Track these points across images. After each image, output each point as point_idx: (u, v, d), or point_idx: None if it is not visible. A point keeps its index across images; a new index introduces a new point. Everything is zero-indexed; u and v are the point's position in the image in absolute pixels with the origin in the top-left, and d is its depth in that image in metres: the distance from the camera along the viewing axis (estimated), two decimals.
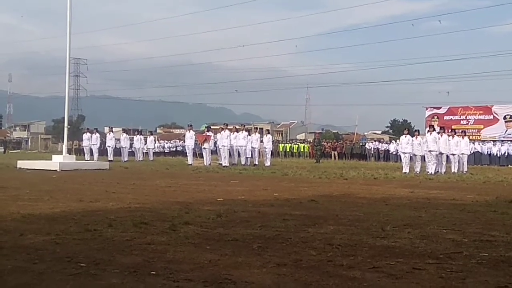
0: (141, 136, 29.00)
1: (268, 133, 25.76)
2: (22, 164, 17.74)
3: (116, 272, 3.46)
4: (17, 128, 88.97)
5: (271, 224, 5.58)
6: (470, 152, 22.50)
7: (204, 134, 22.69)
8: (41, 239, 4.56)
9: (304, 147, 40.74)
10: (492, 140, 33.50)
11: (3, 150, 46.96)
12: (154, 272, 3.47)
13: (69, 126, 20.28)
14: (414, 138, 18.25)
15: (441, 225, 5.63)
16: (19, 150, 60.15)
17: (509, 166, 28.45)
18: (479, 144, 32.06)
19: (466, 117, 37.38)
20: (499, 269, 3.72)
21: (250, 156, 21.70)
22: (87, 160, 23.67)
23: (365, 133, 62.54)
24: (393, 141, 37.28)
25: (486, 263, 3.87)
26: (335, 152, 37.23)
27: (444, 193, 9.80)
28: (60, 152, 21.82)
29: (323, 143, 35.96)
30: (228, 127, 21.91)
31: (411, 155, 18.20)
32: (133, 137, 28.76)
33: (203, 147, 21.70)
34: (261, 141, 22.91)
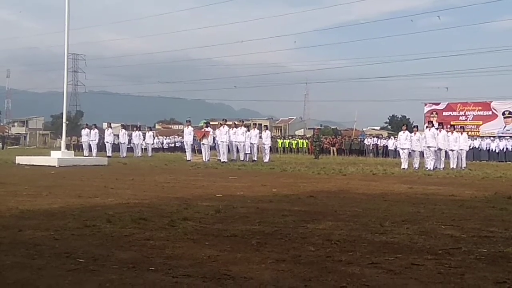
0: (140, 132, 28.93)
1: (267, 129, 25.71)
2: (20, 160, 17.72)
3: (114, 268, 3.46)
4: (16, 124, 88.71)
5: (270, 220, 5.58)
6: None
7: (203, 130, 22.64)
8: (40, 235, 4.56)
9: (303, 143, 40.67)
10: (491, 136, 33.55)
11: (1, 146, 46.82)
12: (153, 268, 3.48)
13: (67, 122, 20.27)
14: (412, 134, 18.26)
15: (440, 221, 5.64)
16: (17, 146, 60.00)
17: (508, 162, 28.48)
18: (477, 139, 32.10)
19: (465, 113, 37.41)
20: (497, 264, 3.72)
21: (249, 152, 21.69)
22: (85, 156, 23.63)
23: (364, 129, 62.52)
24: (392, 137, 37.29)
25: (485, 259, 3.87)
26: (334, 148, 37.25)
27: (443, 189, 9.80)
28: (59, 148, 21.84)
29: (322, 139, 35.94)
30: (227, 122, 21.88)
31: (410, 151, 18.20)
32: (131, 133, 28.66)
33: (201, 143, 21.67)
34: (260, 137, 22.88)
